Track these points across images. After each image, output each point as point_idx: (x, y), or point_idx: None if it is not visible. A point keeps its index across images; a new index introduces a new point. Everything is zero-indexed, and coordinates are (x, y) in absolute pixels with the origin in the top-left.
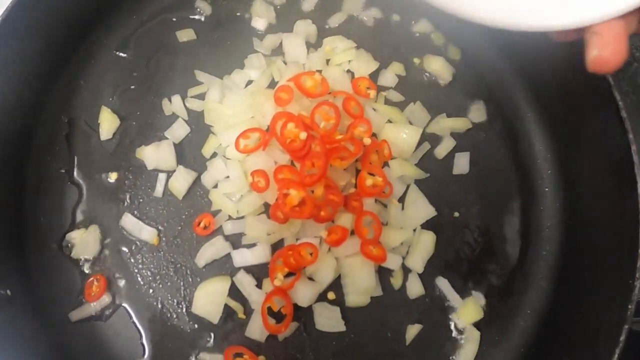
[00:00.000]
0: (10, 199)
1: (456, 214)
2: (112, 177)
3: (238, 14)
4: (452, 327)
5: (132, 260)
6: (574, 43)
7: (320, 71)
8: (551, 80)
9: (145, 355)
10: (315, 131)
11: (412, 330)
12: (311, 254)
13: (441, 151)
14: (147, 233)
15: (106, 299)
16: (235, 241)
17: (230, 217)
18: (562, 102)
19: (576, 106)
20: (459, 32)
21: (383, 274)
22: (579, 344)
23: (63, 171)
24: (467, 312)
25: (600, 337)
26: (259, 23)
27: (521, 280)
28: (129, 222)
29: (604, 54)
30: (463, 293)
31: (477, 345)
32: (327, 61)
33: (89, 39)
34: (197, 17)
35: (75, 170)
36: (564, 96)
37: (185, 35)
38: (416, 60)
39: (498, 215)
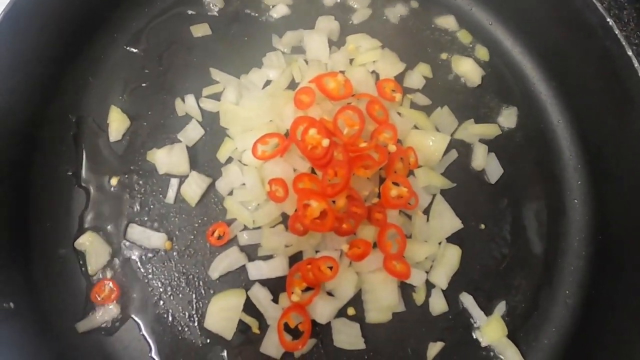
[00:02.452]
0: (15, 203)
1: (482, 226)
2: (113, 182)
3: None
4: (476, 344)
5: (142, 269)
6: (609, 48)
7: (343, 72)
8: (584, 85)
9: None
10: (338, 138)
11: (434, 349)
12: (331, 269)
13: (478, 162)
14: (156, 239)
15: (114, 310)
16: (251, 252)
17: (245, 227)
18: (595, 108)
19: (612, 115)
20: (486, 30)
21: (405, 288)
22: None
23: (70, 173)
24: (491, 329)
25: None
26: (276, 10)
27: (547, 296)
28: (135, 232)
29: None
30: (487, 309)
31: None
32: (351, 61)
33: (98, 34)
34: (212, 10)
35: (83, 172)
36: (597, 102)
37: (200, 30)
38: (443, 56)
39: (525, 227)
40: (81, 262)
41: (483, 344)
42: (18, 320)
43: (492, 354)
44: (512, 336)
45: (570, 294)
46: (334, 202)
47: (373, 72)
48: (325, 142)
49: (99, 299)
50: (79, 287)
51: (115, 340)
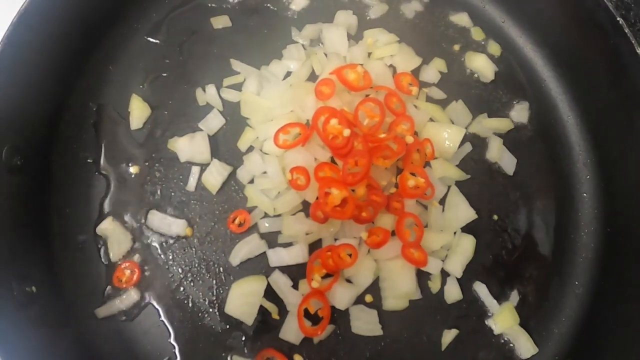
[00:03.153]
0: (35, 190)
1: (495, 217)
2: (134, 169)
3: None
4: (488, 332)
5: (163, 256)
6: (618, 46)
7: (361, 65)
8: (594, 82)
9: (175, 355)
10: (358, 128)
11: (448, 336)
12: (350, 256)
13: (493, 154)
14: (177, 226)
15: (134, 295)
16: (271, 240)
17: (266, 215)
18: (604, 104)
19: (620, 112)
20: (499, 28)
21: (421, 277)
22: (615, 355)
23: (90, 161)
24: (503, 318)
25: (638, 348)
26: (295, 3)
27: (557, 287)
28: (156, 219)
29: None
30: (500, 298)
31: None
32: (369, 54)
33: (119, 24)
34: (232, 2)
35: (103, 160)
36: (606, 98)
37: (220, 22)
38: (457, 51)
39: (536, 219)
40: (101, 248)
41: (496, 332)
42: (40, 304)
43: (504, 341)
44: (523, 325)
45: (579, 284)
46: (353, 190)
47: (390, 65)
48: (347, 132)
49: (121, 282)
50: (98, 273)
51: (135, 325)
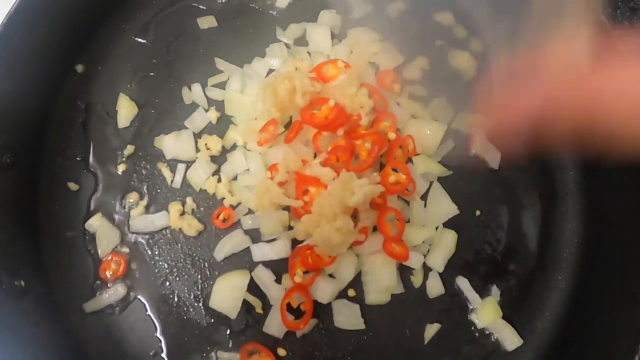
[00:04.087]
0: (25, 187)
1: (478, 213)
2: (121, 167)
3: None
4: (472, 326)
5: (149, 251)
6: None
7: (342, 60)
8: None
9: (161, 349)
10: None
11: (431, 330)
12: (330, 255)
13: (478, 147)
14: (159, 219)
15: (121, 290)
16: (255, 235)
17: (250, 211)
18: None
19: None
20: (482, 26)
21: (403, 271)
22: (599, 349)
23: (79, 159)
24: (486, 312)
25: (621, 343)
26: (280, 2)
27: (541, 281)
28: (138, 223)
29: None
30: (483, 293)
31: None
32: (351, 53)
33: (107, 24)
34: (218, 3)
35: (91, 158)
36: None
37: (207, 22)
38: (440, 49)
39: (519, 214)
40: (89, 244)
41: (479, 326)
42: (28, 298)
43: (487, 335)
44: (506, 320)
45: (563, 279)
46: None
47: (373, 63)
48: (331, 102)
49: (108, 275)
50: (86, 269)
51: (122, 320)
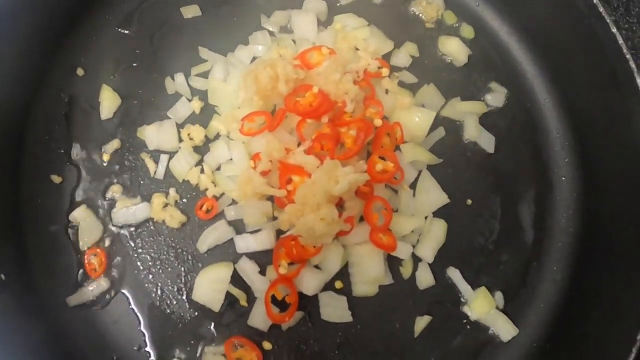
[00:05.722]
0: (7, 180)
1: (469, 202)
2: (105, 158)
3: None
4: (464, 319)
5: (132, 244)
6: (594, 27)
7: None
8: (570, 64)
9: (145, 343)
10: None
11: (421, 322)
12: (315, 246)
13: (471, 133)
14: (141, 211)
15: (104, 284)
16: (239, 226)
17: (233, 201)
18: (581, 87)
19: (598, 94)
20: (473, 11)
21: (392, 262)
22: (594, 340)
23: (62, 151)
24: (478, 303)
25: (616, 334)
26: None
27: (535, 272)
28: (120, 216)
29: None
30: (475, 284)
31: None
32: (337, 39)
33: (90, 15)
34: None
35: (74, 150)
36: (583, 81)
37: (190, 11)
38: (429, 35)
39: (512, 203)
40: (72, 238)
41: (472, 318)
42: (10, 292)
43: (480, 327)
44: (500, 311)
45: (557, 270)
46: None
47: (360, 50)
48: (315, 89)
49: (90, 269)
50: (69, 263)
51: (105, 314)
